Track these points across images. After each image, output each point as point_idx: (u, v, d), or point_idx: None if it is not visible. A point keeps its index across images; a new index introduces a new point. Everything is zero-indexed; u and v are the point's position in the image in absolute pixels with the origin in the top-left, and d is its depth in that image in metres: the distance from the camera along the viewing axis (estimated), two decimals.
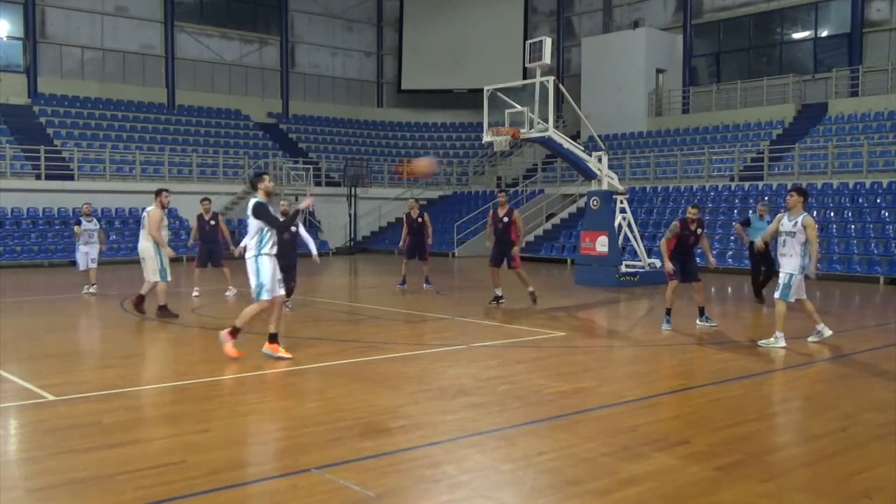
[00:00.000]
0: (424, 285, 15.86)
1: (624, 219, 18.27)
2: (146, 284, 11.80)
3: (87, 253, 15.49)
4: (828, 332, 9.69)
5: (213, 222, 15.26)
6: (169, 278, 11.74)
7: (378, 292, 15.84)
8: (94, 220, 15.87)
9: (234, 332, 8.55)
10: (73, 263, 23.76)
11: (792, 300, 9.42)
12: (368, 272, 17.25)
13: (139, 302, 11.97)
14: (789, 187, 10.46)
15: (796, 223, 9.37)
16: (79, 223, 15.74)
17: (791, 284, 9.34)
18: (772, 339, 9.46)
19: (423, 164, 15.61)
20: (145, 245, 11.74)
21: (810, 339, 9.77)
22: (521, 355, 9.18)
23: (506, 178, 33.88)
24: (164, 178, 28.29)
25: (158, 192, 12.02)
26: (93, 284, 15.49)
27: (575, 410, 6.45)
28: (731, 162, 26.65)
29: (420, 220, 15.95)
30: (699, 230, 11.13)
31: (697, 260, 11.48)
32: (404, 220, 16.58)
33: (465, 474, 4.85)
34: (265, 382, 7.51)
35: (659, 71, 32.69)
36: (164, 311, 11.67)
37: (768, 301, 12.70)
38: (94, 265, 15.64)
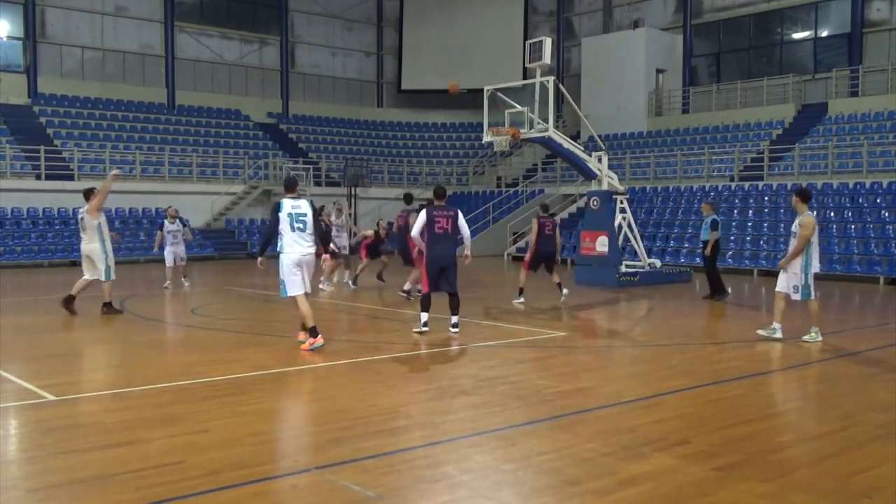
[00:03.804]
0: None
1: (624, 219, 18.26)
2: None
3: (175, 252, 16.69)
4: (778, 335, 9.80)
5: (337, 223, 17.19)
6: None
7: (377, 292, 15.85)
8: (178, 222, 16.87)
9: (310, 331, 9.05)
10: (74, 264, 23.87)
11: (815, 297, 9.68)
12: (368, 272, 17.31)
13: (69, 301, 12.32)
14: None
15: (796, 223, 9.69)
16: (162, 226, 16.88)
17: (809, 284, 9.61)
18: (812, 334, 9.77)
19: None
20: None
21: (760, 330, 9.99)
22: (521, 355, 9.18)
23: (506, 178, 33.90)
24: (164, 177, 28.31)
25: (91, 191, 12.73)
26: (184, 277, 16.96)
27: (575, 410, 6.45)
28: (731, 162, 26.65)
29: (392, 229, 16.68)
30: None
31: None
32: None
33: (465, 474, 4.85)
34: (265, 382, 7.51)
35: (659, 71, 32.69)
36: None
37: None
38: (184, 262, 17.02)
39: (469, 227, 10.80)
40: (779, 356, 9.03)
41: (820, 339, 9.76)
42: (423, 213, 10.16)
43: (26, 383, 7.28)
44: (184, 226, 17.13)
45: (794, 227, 9.72)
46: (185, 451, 5.25)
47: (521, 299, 13.96)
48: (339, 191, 30.96)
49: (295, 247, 8.87)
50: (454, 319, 10.28)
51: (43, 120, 29.47)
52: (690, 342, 10.07)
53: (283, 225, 8.83)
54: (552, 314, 12.80)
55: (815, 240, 9.62)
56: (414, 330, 10.15)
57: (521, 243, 27.17)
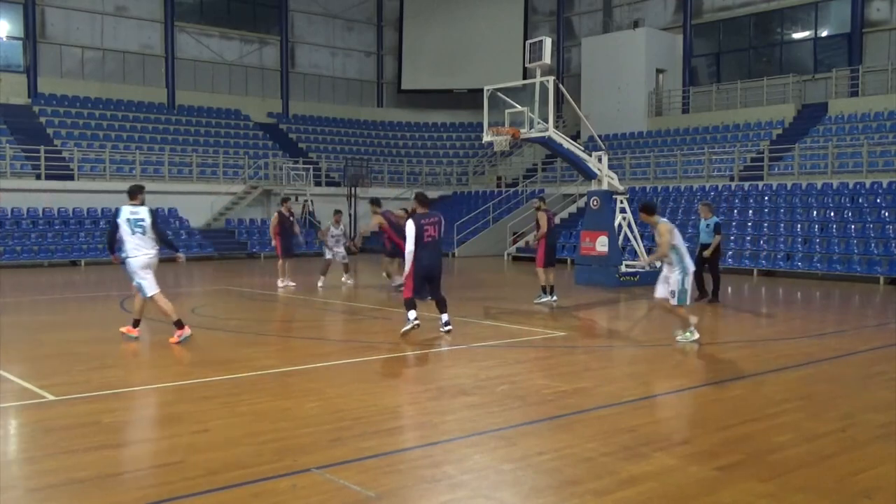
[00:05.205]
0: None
1: (624, 219, 18.27)
2: None
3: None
4: (696, 335, 9.57)
5: (291, 218, 17.14)
6: None
7: (377, 292, 15.85)
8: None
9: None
10: (74, 263, 23.90)
11: (689, 303, 9.54)
12: (368, 272, 17.34)
13: None
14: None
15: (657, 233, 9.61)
16: None
17: (685, 289, 9.47)
18: (688, 334, 9.55)
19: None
20: None
21: (679, 337, 9.69)
22: (521, 355, 9.18)
23: (506, 178, 33.90)
24: (164, 178, 28.31)
25: None
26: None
27: (575, 410, 6.45)
28: (731, 162, 26.65)
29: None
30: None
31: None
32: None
33: (465, 474, 4.85)
34: (264, 382, 7.51)
35: (659, 71, 32.69)
36: None
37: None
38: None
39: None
40: (778, 356, 9.03)
41: (696, 337, 9.51)
42: (411, 225, 9.76)
43: (26, 383, 7.28)
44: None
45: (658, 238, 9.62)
46: (185, 451, 5.25)
47: (554, 297, 13.69)
48: (339, 191, 30.98)
49: (138, 251, 9.33)
50: (445, 318, 10.16)
51: (43, 120, 29.47)
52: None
53: (123, 230, 9.31)
54: (552, 314, 12.80)
55: (678, 242, 9.52)
56: (404, 329, 9.74)
57: (520, 243, 27.20)
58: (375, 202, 16.06)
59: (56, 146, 27.80)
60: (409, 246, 9.72)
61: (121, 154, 28.40)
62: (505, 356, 8.98)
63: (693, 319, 9.58)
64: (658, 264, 10.07)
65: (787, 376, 8.00)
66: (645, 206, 9.92)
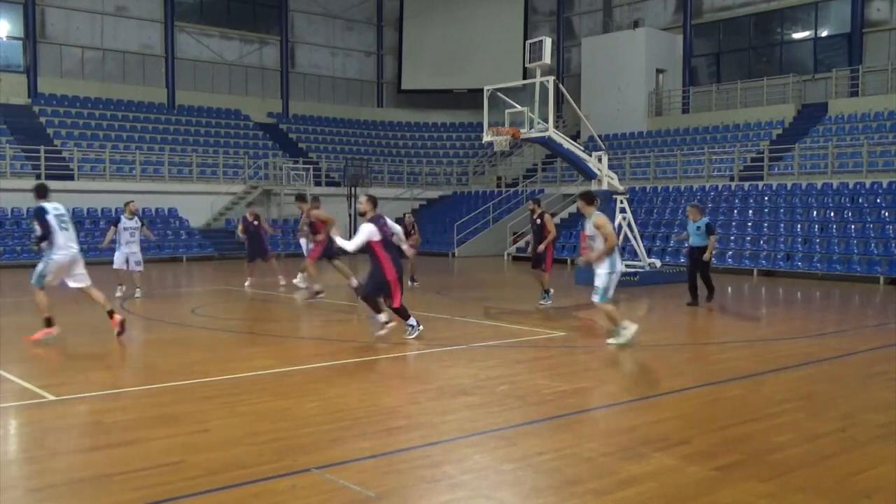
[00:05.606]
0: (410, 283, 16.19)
1: (624, 219, 18.26)
2: None
3: (128, 254, 14.73)
4: (633, 329, 9.42)
5: (255, 223, 17.21)
6: None
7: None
8: (136, 219, 15.05)
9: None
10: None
11: (609, 299, 9.43)
12: (362, 272, 17.38)
13: None
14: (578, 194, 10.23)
15: (589, 226, 9.40)
16: (117, 222, 14.99)
17: (608, 286, 9.37)
18: (621, 333, 9.35)
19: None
20: None
21: (610, 341, 9.56)
22: (521, 355, 9.18)
23: (506, 178, 33.90)
24: (164, 178, 28.31)
25: None
26: (136, 287, 14.91)
27: (575, 410, 6.45)
28: (730, 162, 26.65)
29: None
30: (538, 220, 13.70)
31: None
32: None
33: (465, 474, 4.85)
34: (264, 382, 7.51)
35: (659, 71, 32.69)
36: None
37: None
38: (139, 268, 14.93)
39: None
40: (778, 356, 9.03)
41: (633, 330, 9.33)
42: (373, 228, 9.52)
43: (26, 383, 7.27)
44: (142, 224, 15.21)
45: (589, 231, 9.38)
46: (185, 451, 5.25)
47: (550, 297, 13.50)
48: (339, 191, 30.96)
49: (66, 248, 9.47)
50: (384, 317, 9.77)
51: (43, 120, 29.47)
52: (690, 342, 10.06)
53: (53, 226, 9.42)
54: (552, 314, 12.80)
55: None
56: (411, 336, 9.69)
57: (520, 243, 27.22)
58: (313, 199, 15.02)
59: (56, 146, 27.80)
60: (352, 247, 9.50)
61: (121, 154, 28.40)
62: (505, 356, 8.98)
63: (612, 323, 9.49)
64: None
65: (787, 376, 8.00)
66: (587, 195, 9.65)
